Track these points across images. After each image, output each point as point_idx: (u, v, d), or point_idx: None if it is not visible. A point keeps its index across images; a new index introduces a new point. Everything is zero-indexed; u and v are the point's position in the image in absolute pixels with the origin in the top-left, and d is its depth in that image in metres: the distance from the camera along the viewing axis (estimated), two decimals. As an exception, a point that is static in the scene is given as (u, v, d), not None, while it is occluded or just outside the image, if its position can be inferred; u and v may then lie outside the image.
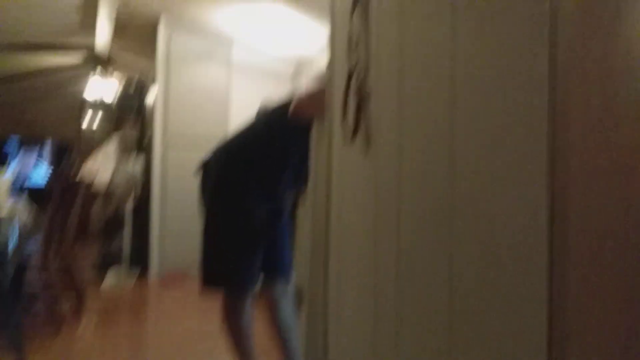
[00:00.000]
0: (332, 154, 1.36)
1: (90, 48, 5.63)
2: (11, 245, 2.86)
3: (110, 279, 4.57)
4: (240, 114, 4.88)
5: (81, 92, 7.55)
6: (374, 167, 1.12)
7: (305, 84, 4.71)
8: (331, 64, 1.37)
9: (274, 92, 5.02)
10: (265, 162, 1.99)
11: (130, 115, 5.40)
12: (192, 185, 4.77)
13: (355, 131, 1.18)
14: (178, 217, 4.78)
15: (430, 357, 0.87)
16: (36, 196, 4.67)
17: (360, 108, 1.17)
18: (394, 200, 1.02)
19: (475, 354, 0.75)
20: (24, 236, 3.23)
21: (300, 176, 1.95)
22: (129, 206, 4.79)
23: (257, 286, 2.03)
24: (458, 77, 0.82)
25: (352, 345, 1.21)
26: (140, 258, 4.86)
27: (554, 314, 0.61)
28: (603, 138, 0.58)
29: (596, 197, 0.58)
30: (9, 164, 7.48)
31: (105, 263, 4.80)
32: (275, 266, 2.09)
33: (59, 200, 3.20)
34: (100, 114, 8.17)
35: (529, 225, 0.65)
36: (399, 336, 0.98)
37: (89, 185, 3.85)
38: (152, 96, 5.04)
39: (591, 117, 0.59)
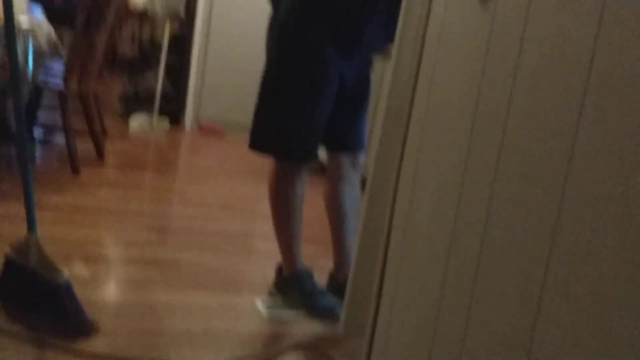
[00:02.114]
0: (433, 1, 1.30)
1: None
2: (29, 64, 2.99)
3: (138, 121, 4.77)
4: None
5: None
6: (489, 23, 1.07)
7: None
8: None
9: None
10: (349, 5, 1.93)
11: None
12: (245, 6, 4.75)
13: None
14: (224, 54, 4.84)
15: (520, 288, 0.89)
16: (60, 9, 4.79)
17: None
18: (508, 70, 0.99)
19: (570, 302, 0.77)
20: (44, 54, 3.37)
21: (390, 28, 1.89)
22: (167, 35, 4.85)
23: (316, 157, 2.07)
24: None
25: (420, 247, 1.24)
26: (173, 104, 5.02)
27: None
28: None
29: None
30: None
31: (134, 101, 5.00)
32: (345, 138, 2.12)
33: (87, 15, 3.27)
34: None
35: None
36: (483, 248, 0.99)
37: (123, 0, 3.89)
38: None
39: None
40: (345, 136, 2.12)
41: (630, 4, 0.74)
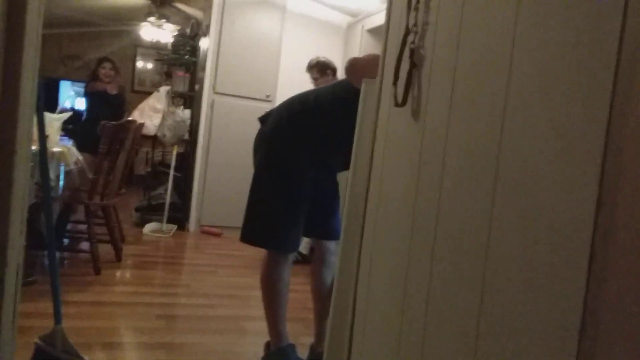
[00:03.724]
0: (380, 116, 1.38)
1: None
2: (60, 183, 3.03)
3: (151, 227, 4.78)
4: (291, 62, 4.91)
5: (137, 37, 7.79)
6: (421, 131, 1.13)
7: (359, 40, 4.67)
8: (387, 23, 1.37)
9: (326, 44, 5.01)
10: (324, 132, 2.02)
11: (183, 59, 5.52)
12: (236, 132, 4.89)
13: (405, 95, 1.19)
14: (220, 170, 4.93)
15: (458, 342, 0.90)
16: (86, 139, 4.89)
17: (412, 71, 1.18)
18: (437, 171, 1.03)
19: (503, 340, 0.78)
20: (72, 175, 3.42)
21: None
22: (174, 155, 4.95)
23: (297, 247, 2.10)
24: (518, 54, 0.83)
25: (378, 320, 1.25)
26: (180, 212, 5.05)
27: (589, 306, 0.63)
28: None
29: None
30: (60, 105, 7.83)
31: (147, 211, 5.02)
32: (327, 229, 2.18)
33: (110, 142, 3.36)
34: (154, 56, 8.41)
35: (574, 212, 0.67)
36: (427, 321, 1.01)
37: (139, 127, 4.00)
38: (204, 41, 5.13)
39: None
40: (326, 228, 2.18)
41: (526, 136, 0.80)
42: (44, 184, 1.99)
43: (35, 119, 1.84)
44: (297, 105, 2.08)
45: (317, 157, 2.04)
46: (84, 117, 5.40)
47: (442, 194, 1.02)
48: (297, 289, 2.29)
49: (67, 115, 3.54)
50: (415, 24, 1.18)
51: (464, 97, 0.98)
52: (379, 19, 4.38)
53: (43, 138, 1.87)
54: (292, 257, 2.10)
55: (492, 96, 0.88)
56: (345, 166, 2.17)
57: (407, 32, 1.20)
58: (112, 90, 5.37)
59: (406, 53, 1.20)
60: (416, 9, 1.19)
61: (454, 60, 1.02)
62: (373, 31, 4.62)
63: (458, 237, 0.94)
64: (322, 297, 2.17)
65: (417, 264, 1.08)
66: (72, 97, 8.10)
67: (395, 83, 1.23)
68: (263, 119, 2.14)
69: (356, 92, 1.85)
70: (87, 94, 5.50)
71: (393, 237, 1.22)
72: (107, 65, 5.35)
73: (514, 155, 0.81)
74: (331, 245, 2.19)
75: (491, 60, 0.90)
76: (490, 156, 0.86)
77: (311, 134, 2.02)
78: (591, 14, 0.68)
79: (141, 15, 6.99)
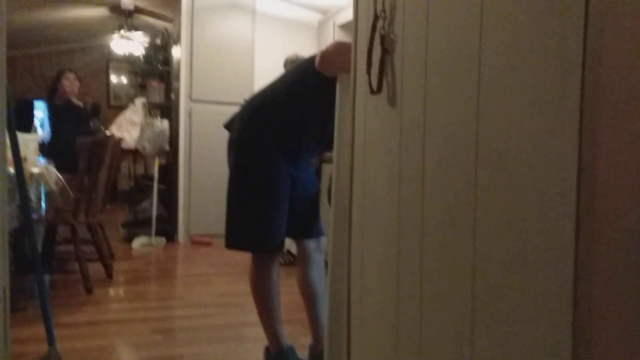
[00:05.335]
0: (356, 106, 1.37)
1: (116, 2, 5.71)
2: (43, 204, 2.99)
3: (139, 241, 4.73)
4: (265, 64, 4.89)
5: (107, 50, 7.71)
6: (399, 117, 1.12)
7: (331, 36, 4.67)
8: (356, 11, 1.36)
9: (299, 43, 4.99)
10: (288, 122, 2.00)
11: (157, 69, 5.47)
12: (217, 139, 4.86)
13: (380, 80, 1.18)
14: (205, 178, 4.88)
15: (454, 328, 0.90)
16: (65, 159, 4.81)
17: (385, 57, 1.17)
18: (418, 155, 1.03)
19: (496, 327, 0.78)
20: (55, 195, 3.37)
21: (324, 139, 1.96)
22: (156, 167, 4.90)
23: (283, 246, 2.07)
24: (487, 29, 0.82)
25: (374, 312, 1.24)
26: (167, 223, 5.01)
27: (580, 298, 0.63)
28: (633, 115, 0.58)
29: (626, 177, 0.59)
30: (36, 125, 7.71)
31: (134, 226, 4.97)
32: (307, 227, 2.14)
33: (88, 159, 3.32)
34: (127, 69, 8.32)
35: (556, 185, 0.67)
36: (423, 302, 1.00)
37: (118, 142, 3.95)
38: (177, 49, 5.09)
39: (622, 92, 0.59)
40: (306, 225, 2.14)
41: (501, 111, 0.80)
42: (23, 206, 1.95)
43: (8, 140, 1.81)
44: (256, 102, 2.06)
45: (286, 149, 2.00)
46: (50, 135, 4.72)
47: (425, 178, 1.01)
48: (292, 291, 2.27)
49: (42, 134, 3.49)
50: (383, 10, 1.17)
51: (438, 78, 0.97)
52: (350, 14, 4.36)
53: (18, 158, 1.84)
54: (278, 257, 2.08)
55: (465, 75, 0.87)
56: (321, 151, 2.16)
57: (376, 18, 1.19)
58: (77, 101, 4.99)
59: (377, 39, 1.19)
60: (383, -7, 1.18)
61: (424, 42, 1.02)
62: (345, 27, 4.61)
63: (444, 219, 0.93)
64: (313, 295, 2.15)
65: (406, 251, 1.08)
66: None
67: (368, 71, 1.22)
68: (228, 126, 2.11)
69: (307, 72, 1.86)
70: (52, 108, 4.86)
71: (381, 226, 1.21)
72: (71, 75, 4.77)
73: (492, 133, 0.80)
74: (312, 243, 2.16)
75: (462, 38, 0.89)
76: (469, 135, 0.86)
77: (275, 127, 1.99)
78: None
79: (111, 28, 6.92)
